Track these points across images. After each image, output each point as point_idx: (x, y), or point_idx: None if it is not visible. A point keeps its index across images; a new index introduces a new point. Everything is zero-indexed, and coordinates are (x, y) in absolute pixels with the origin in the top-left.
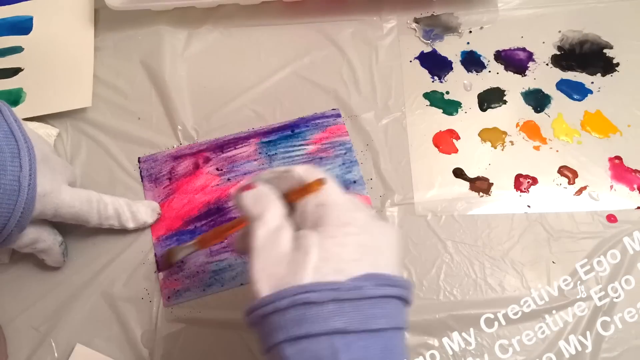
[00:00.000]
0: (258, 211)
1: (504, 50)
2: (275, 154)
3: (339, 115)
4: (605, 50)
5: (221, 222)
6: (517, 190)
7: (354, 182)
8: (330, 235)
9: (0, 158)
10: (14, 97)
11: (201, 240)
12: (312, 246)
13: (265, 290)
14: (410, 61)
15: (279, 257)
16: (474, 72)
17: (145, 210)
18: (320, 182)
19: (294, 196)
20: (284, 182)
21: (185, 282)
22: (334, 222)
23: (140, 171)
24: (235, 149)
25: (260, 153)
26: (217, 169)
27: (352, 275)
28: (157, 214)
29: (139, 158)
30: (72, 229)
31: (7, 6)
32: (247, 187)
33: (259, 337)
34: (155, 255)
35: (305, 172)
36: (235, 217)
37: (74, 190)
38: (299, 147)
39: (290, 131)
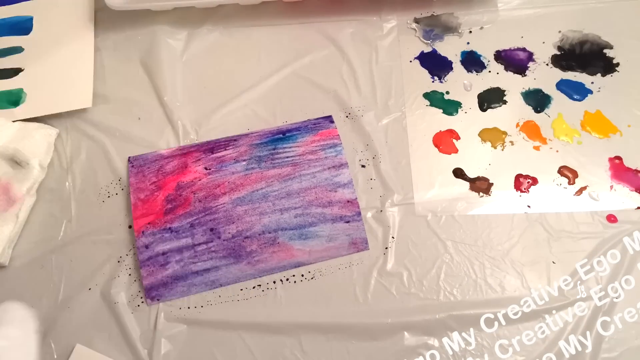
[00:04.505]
0: None
1: (504, 50)
2: (265, 155)
3: (332, 121)
4: (605, 50)
5: (207, 220)
6: (517, 190)
7: (343, 184)
8: None
9: None
10: (14, 98)
11: None
12: None
13: None
14: (410, 61)
15: None
16: (474, 72)
17: None
18: None
19: None
20: None
21: (168, 281)
22: None
23: (129, 169)
24: (226, 150)
25: (249, 154)
26: (205, 168)
27: None
28: None
29: (129, 157)
30: (72, 227)
31: (7, 6)
32: None
33: None
34: (138, 248)
35: None
36: (222, 217)
37: None
38: (289, 149)
39: (282, 134)
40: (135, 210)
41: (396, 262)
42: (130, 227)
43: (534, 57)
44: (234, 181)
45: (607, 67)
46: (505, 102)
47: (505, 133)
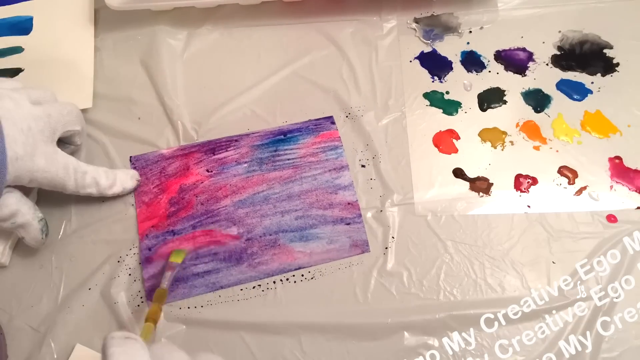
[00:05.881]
0: None
1: (504, 50)
2: (266, 157)
3: (333, 122)
4: (605, 50)
5: (208, 223)
6: (517, 190)
7: (344, 187)
8: None
9: None
10: None
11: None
12: None
13: None
14: (410, 61)
15: None
16: (474, 72)
17: (124, 177)
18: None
19: None
20: None
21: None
22: None
23: (131, 169)
24: (227, 151)
25: (251, 156)
26: (207, 170)
27: None
28: (137, 181)
29: (130, 157)
30: (72, 227)
31: (7, 6)
32: None
33: None
34: (141, 250)
35: None
36: (223, 220)
37: (52, 155)
38: (290, 151)
39: (283, 135)
40: (139, 214)
41: (396, 262)
42: (129, 227)
43: (534, 57)
44: (235, 184)
45: (607, 67)
46: (505, 102)
47: (505, 133)
